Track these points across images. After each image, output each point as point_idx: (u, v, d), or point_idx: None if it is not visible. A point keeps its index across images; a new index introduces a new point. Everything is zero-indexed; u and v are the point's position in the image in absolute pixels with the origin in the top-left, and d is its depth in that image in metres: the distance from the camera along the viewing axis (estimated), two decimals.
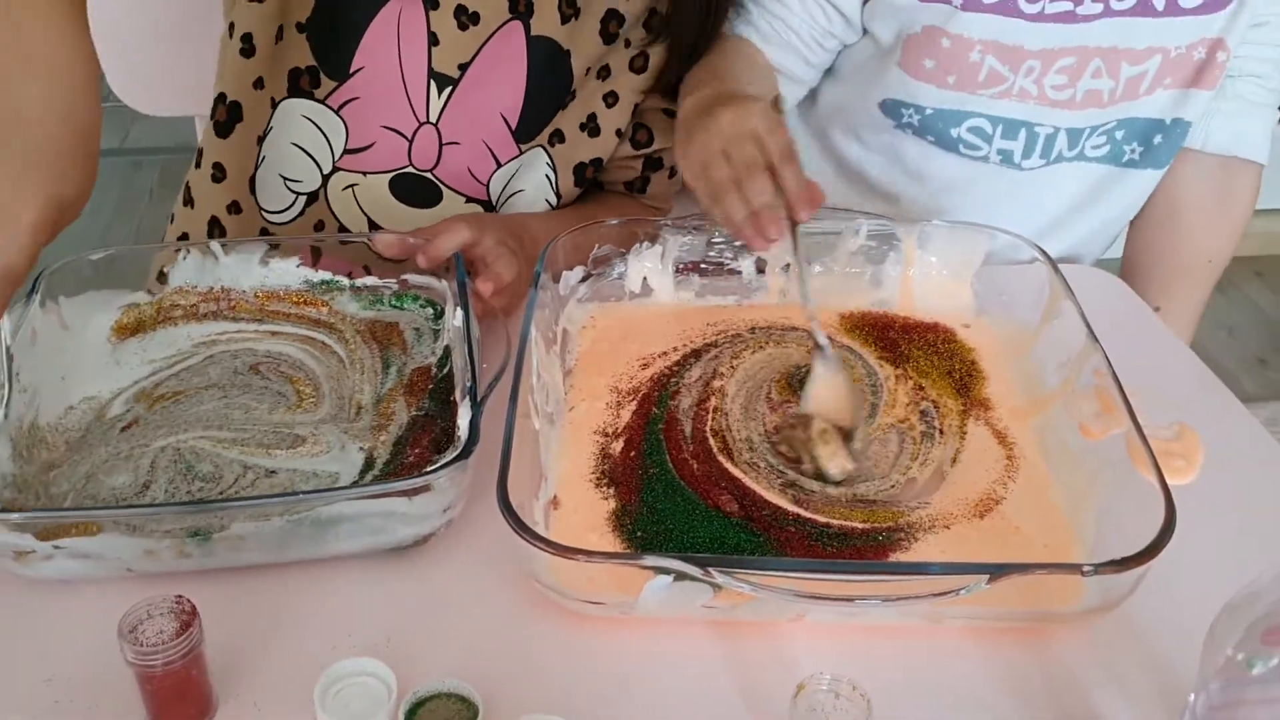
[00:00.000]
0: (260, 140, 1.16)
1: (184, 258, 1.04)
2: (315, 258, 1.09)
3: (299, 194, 1.18)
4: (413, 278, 1.07)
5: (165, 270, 1.05)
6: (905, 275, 1.10)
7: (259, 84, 1.13)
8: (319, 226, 1.13)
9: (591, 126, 1.22)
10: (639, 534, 0.85)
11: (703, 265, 1.13)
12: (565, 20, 1.16)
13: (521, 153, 1.19)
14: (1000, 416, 0.97)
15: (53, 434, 0.92)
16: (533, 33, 1.15)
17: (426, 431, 0.94)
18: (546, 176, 1.22)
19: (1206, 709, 0.60)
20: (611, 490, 0.89)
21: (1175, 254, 1.35)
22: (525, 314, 0.95)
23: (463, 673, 0.74)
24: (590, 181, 1.25)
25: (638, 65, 1.21)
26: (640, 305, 1.12)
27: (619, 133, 1.24)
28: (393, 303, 1.08)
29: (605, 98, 1.21)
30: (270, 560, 0.83)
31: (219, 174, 1.17)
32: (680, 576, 0.74)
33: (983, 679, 0.77)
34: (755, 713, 0.75)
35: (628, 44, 1.20)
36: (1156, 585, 0.76)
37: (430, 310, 1.08)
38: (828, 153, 1.37)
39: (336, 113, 1.14)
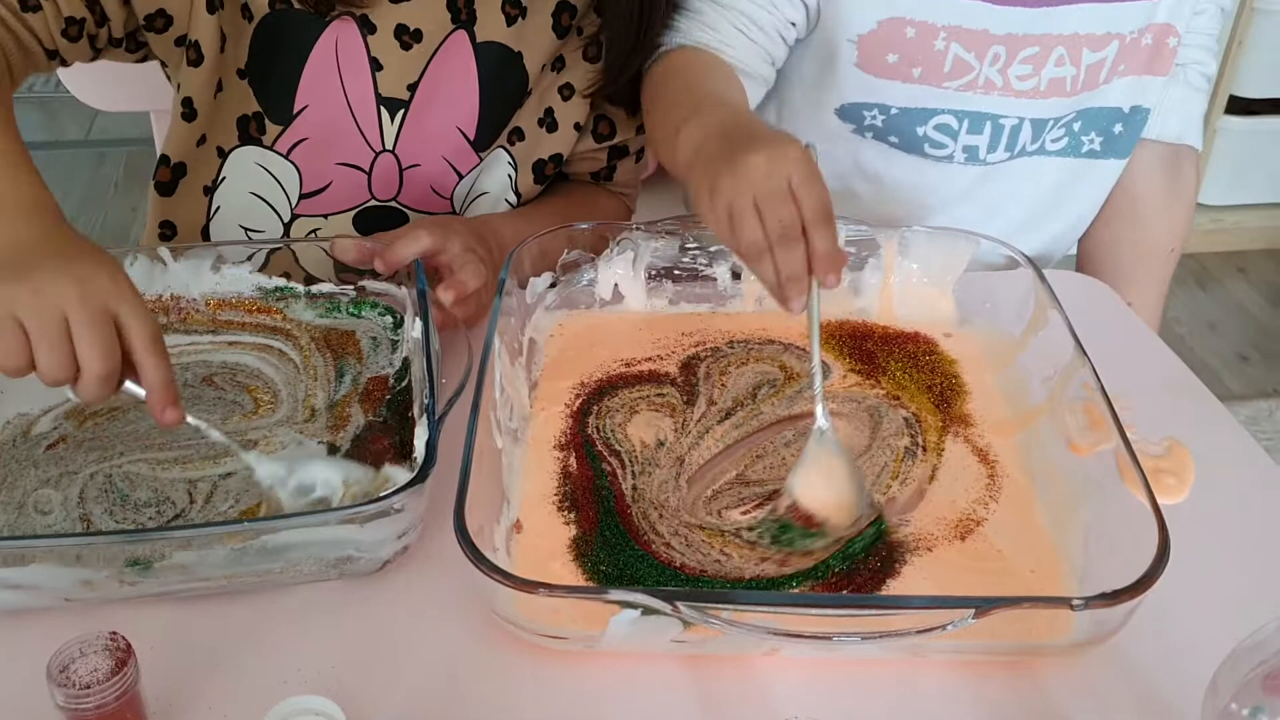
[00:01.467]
0: (209, 191, 1.11)
1: (131, 263, 0.99)
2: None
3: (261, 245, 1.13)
4: (371, 284, 1.03)
5: None
6: (885, 283, 1.06)
7: (201, 141, 1.09)
8: (286, 277, 1.06)
9: (549, 122, 1.17)
10: (602, 566, 0.81)
11: (676, 271, 1.09)
12: (511, 22, 1.11)
13: (481, 160, 1.15)
14: (982, 433, 0.94)
15: None
16: (479, 40, 1.10)
17: (384, 436, 0.90)
18: (508, 175, 1.17)
19: None
20: (573, 515, 0.85)
21: (1136, 245, 1.34)
22: (489, 323, 0.91)
23: (419, 711, 0.70)
24: (550, 178, 1.21)
25: (591, 54, 1.17)
26: (611, 312, 1.08)
27: (577, 126, 1.19)
28: (350, 310, 1.04)
29: (560, 90, 1.17)
30: (217, 589, 0.78)
31: (168, 231, 1.14)
32: (648, 611, 0.70)
33: (968, 715, 0.74)
34: None
35: (580, 31, 1.16)
36: (1149, 612, 0.73)
37: (389, 319, 1.03)
38: None
39: (285, 157, 1.10)
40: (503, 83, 1.12)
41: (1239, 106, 2.71)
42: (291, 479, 0.84)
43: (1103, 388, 0.86)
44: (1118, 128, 1.24)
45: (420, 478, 0.76)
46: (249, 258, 1.02)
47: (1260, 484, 0.93)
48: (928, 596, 0.77)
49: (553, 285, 1.06)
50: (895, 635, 0.70)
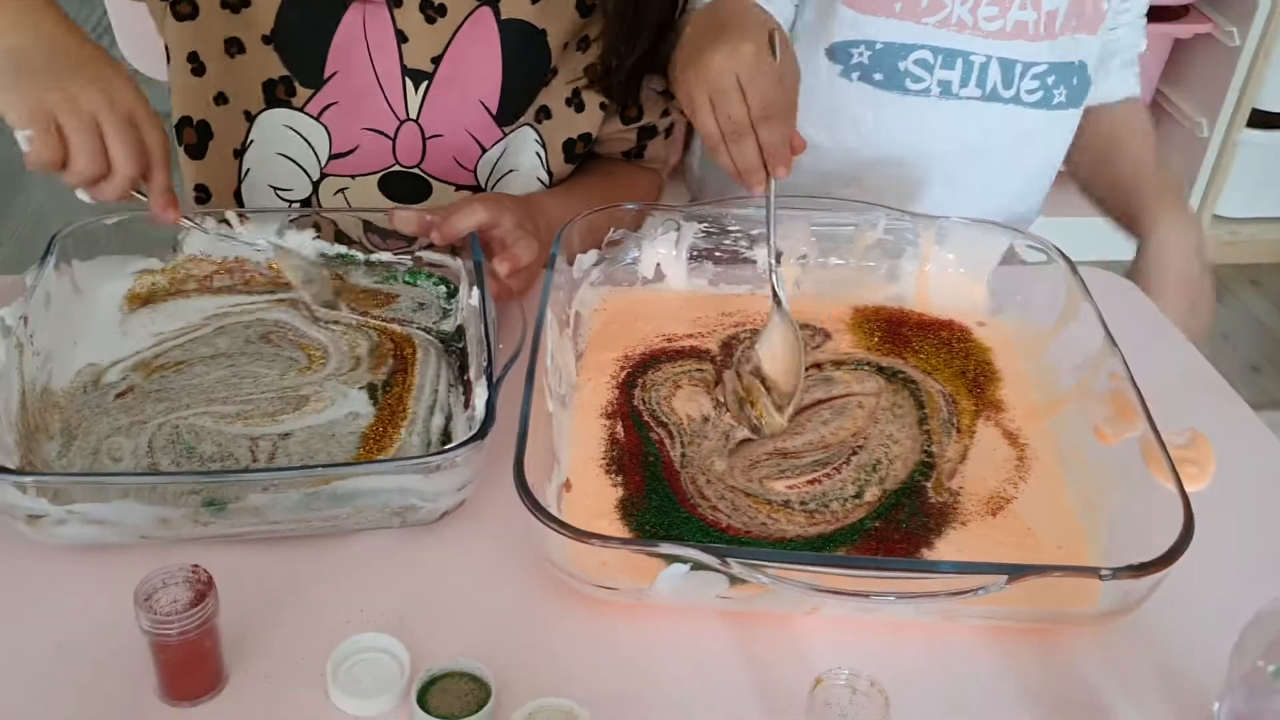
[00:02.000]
0: (238, 154, 1.15)
1: (201, 224, 1.02)
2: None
3: (291, 202, 1.17)
4: (427, 255, 1.07)
5: (180, 238, 1.04)
6: (921, 271, 1.10)
7: (220, 99, 1.13)
8: (316, 227, 1.10)
9: (577, 102, 1.20)
10: (648, 525, 0.85)
11: (717, 253, 1.12)
12: (535, 0, 1.14)
13: (505, 135, 1.18)
14: (1013, 418, 0.97)
15: (64, 399, 0.91)
16: (503, 16, 1.13)
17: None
18: (537, 154, 1.21)
19: (1232, 717, 0.60)
20: (620, 478, 0.89)
21: (1134, 176, 1.37)
22: (541, 296, 0.95)
23: (476, 652, 0.74)
24: (581, 157, 1.24)
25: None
26: (652, 291, 1.11)
27: (603, 106, 1.22)
28: (406, 279, 1.08)
29: (587, 70, 1.20)
30: (286, 532, 0.82)
31: (202, 195, 1.18)
32: (696, 566, 0.73)
33: (997, 678, 0.78)
34: (770, 704, 0.75)
35: (604, 11, 1.18)
36: (1170, 591, 0.76)
37: (444, 288, 1.07)
38: None
39: (317, 119, 1.13)
40: (526, 59, 1.16)
41: (1260, 120, 2.73)
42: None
43: (1131, 377, 0.90)
44: (1074, 79, 1.32)
45: (480, 434, 0.80)
46: (311, 224, 1.06)
47: (1276, 474, 0.97)
48: (962, 562, 0.81)
49: (598, 262, 1.09)
50: (928, 597, 0.74)
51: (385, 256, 1.08)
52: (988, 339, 1.06)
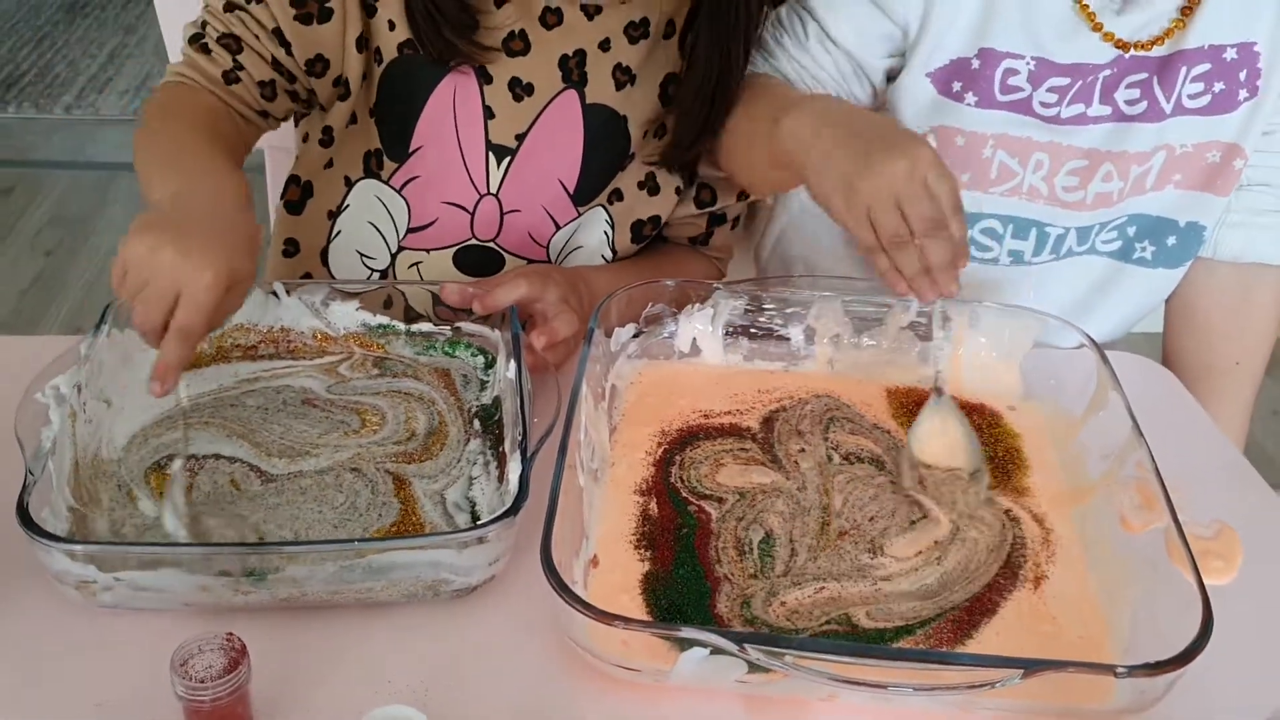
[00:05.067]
0: (333, 215, 1.19)
1: (249, 295, 1.06)
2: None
3: (372, 270, 1.21)
4: (466, 325, 1.10)
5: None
6: (954, 354, 1.11)
7: (329, 164, 1.18)
8: (387, 303, 1.17)
9: (651, 185, 1.24)
10: (664, 600, 0.87)
11: (752, 330, 1.14)
12: (620, 87, 1.17)
13: (580, 214, 1.22)
14: (1039, 503, 0.98)
15: (112, 466, 0.94)
16: (588, 101, 1.17)
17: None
18: (604, 232, 1.24)
19: None
20: (649, 553, 0.91)
21: (1198, 357, 1.33)
22: (578, 369, 0.97)
23: None
24: (648, 238, 1.27)
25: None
26: (688, 364, 1.13)
27: (678, 190, 1.25)
28: (445, 349, 1.11)
29: (659, 150, 1.23)
30: (323, 601, 0.85)
31: (291, 249, 1.23)
32: (716, 651, 0.75)
33: None
34: None
35: (678, 100, 1.21)
36: (1189, 686, 0.76)
37: (481, 359, 1.10)
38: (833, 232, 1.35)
39: (399, 192, 1.17)
40: (607, 143, 1.19)
41: None
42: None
43: (1156, 468, 0.91)
44: (1171, 240, 1.25)
45: (513, 510, 0.83)
46: (358, 294, 1.10)
47: None
48: (978, 655, 0.82)
49: (636, 335, 1.12)
50: (946, 689, 0.75)
51: (426, 327, 1.11)
52: (1018, 424, 1.07)
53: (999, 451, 1.04)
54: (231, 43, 1.07)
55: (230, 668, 0.73)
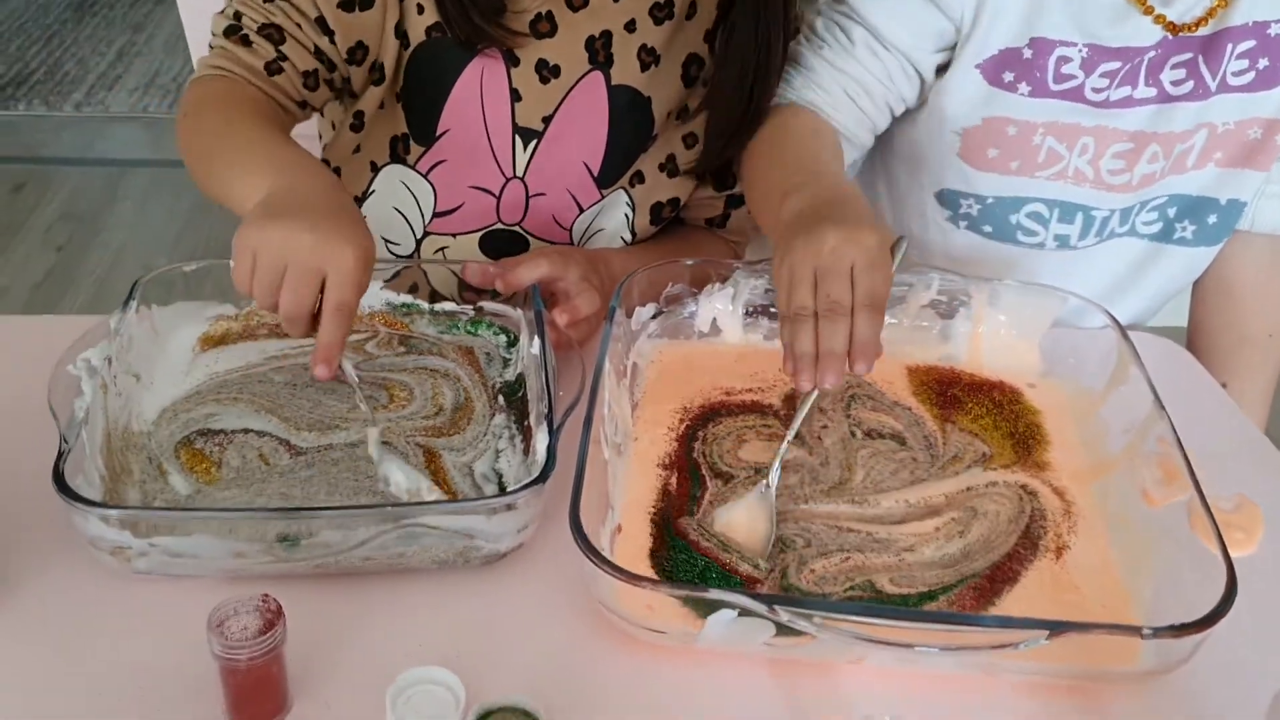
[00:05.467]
0: (360, 201, 1.20)
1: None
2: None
3: (397, 256, 1.22)
4: (489, 305, 1.11)
5: None
6: (974, 332, 1.11)
7: (356, 149, 1.18)
8: (413, 288, 1.17)
9: (670, 167, 1.24)
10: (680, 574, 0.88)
11: (772, 309, 1.15)
12: (645, 68, 1.18)
13: (603, 197, 1.22)
14: (1059, 478, 0.99)
15: (142, 439, 0.95)
16: (613, 82, 1.18)
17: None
18: (625, 215, 1.25)
19: None
20: (654, 529, 0.91)
21: (1231, 330, 1.34)
22: (600, 347, 0.98)
23: (528, 688, 0.76)
24: (666, 220, 1.28)
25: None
26: (708, 344, 1.14)
27: (698, 176, 1.26)
28: (468, 328, 1.12)
29: (685, 139, 1.24)
30: (356, 567, 0.86)
31: None
32: (744, 612, 0.76)
33: None
34: None
35: (705, 84, 1.22)
36: (1211, 654, 0.78)
37: (504, 337, 1.11)
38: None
39: (425, 176, 1.18)
40: (631, 125, 1.20)
41: None
42: (379, 467, 0.93)
43: (1179, 442, 0.92)
44: (1212, 218, 1.26)
45: (541, 478, 0.84)
46: (392, 277, 1.11)
47: None
48: (1005, 617, 0.83)
49: (656, 315, 1.12)
50: (971, 649, 0.76)
51: (449, 306, 1.12)
52: (1038, 401, 1.08)
53: (1019, 428, 1.04)
54: (274, 33, 1.06)
55: (266, 629, 0.74)
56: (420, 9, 1.11)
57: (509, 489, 0.87)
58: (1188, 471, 0.88)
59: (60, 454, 0.82)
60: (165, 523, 0.82)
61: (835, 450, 1.00)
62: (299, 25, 1.07)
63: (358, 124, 1.17)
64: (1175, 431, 0.93)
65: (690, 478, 0.97)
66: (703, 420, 1.04)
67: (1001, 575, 0.88)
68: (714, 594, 0.76)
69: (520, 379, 1.05)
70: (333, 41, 1.08)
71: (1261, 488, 1.00)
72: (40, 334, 1.13)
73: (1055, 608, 0.86)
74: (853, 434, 1.02)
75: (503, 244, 1.22)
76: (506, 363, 1.08)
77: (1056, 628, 0.74)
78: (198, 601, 0.80)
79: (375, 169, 1.18)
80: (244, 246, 0.85)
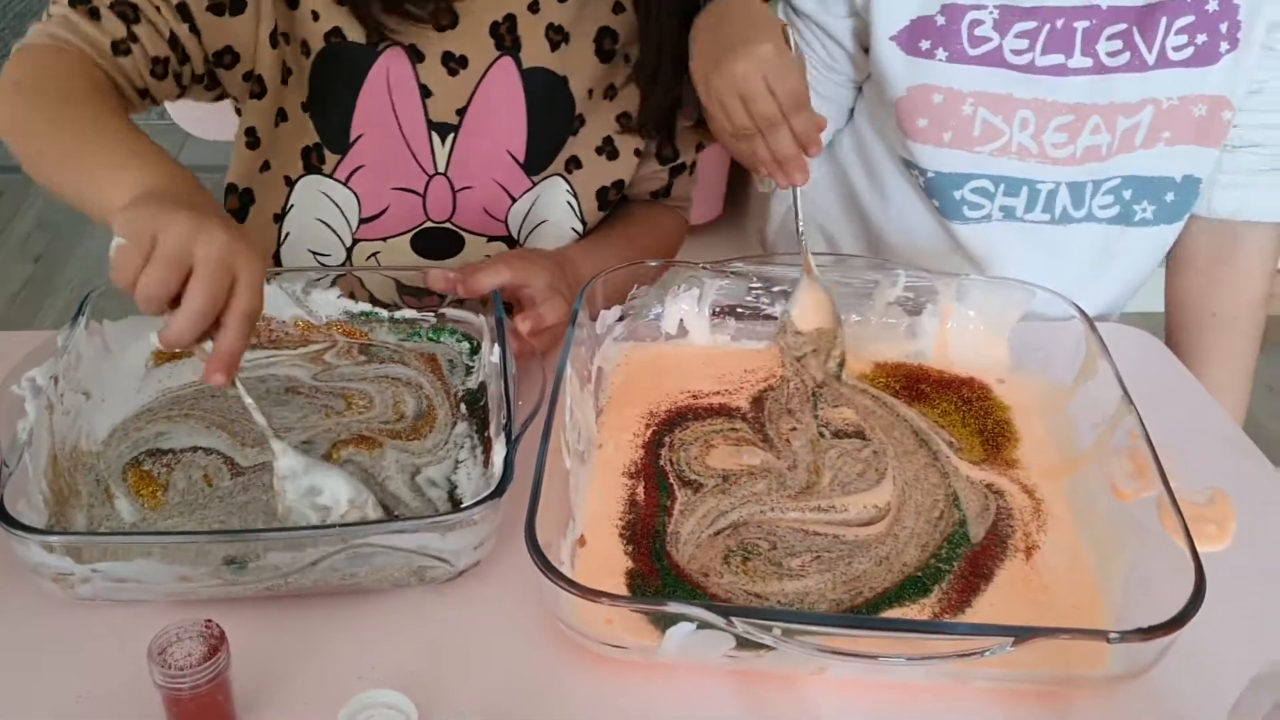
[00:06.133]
0: (279, 218, 1.17)
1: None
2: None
3: (325, 266, 1.19)
4: (450, 312, 1.09)
5: None
6: (942, 328, 1.10)
7: (265, 166, 1.15)
8: (351, 296, 1.13)
9: (609, 150, 1.22)
10: (652, 590, 0.85)
11: (739, 309, 1.13)
12: (555, 47, 1.16)
13: (535, 184, 1.20)
14: (1029, 475, 0.97)
15: (92, 458, 0.93)
16: (525, 65, 1.15)
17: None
18: (569, 203, 1.22)
19: None
20: (631, 548, 0.89)
21: (1194, 311, 1.35)
22: (562, 351, 0.96)
23: (485, 708, 0.75)
24: (613, 203, 1.26)
25: (640, 80, 1.21)
26: (675, 346, 1.13)
27: (638, 153, 1.24)
28: (430, 335, 1.10)
29: (618, 119, 1.22)
30: (304, 590, 0.84)
31: None
32: (703, 625, 0.74)
33: None
34: None
35: (627, 59, 1.20)
36: (1184, 652, 0.76)
37: (466, 344, 1.09)
38: (848, 201, 1.39)
39: (345, 184, 1.15)
40: (550, 107, 1.18)
41: None
42: (305, 479, 0.88)
43: (1147, 436, 0.90)
44: (1169, 196, 1.26)
45: (498, 492, 0.81)
46: (333, 283, 1.09)
47: None
48: (969, 624, 0.81)
49: (621, 318, 1.11)
50: (937, 659, 0.74)
51: (409, 314, 1.10)
52: (1007, 396, 1.06)
53: (988, 425, 1.03)
54: (128, 10, 1.00)
55: (209, 655, 0.72)
56: (316, 16, 1.08)
57: (463, 503, 0.84)
58: (1156, 466, 0.86)
59: (0, 478, 0.80)
60: (109, 548, 0.80)
61: (803, 454, 0.98)
62: (158, 8, 1.02)
63: (253, 140, 1.14)
64: (1144, 425, 0.91)
65: (658, 487, 0.95)
66: (669, 425, 1.02)
67: (972, 575, 0.87)
68: (672, 607, 0.75)
69: (482, 387, 1.03)
70: (194, 32, 1.04)
71: (1236, 480, 0.97)
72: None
73: (1026, 609, 0.84)
74: (820, 434, 1.01)
75: (435, 242, 1.20)
76: (470, 370, 1.06)
77: (1021, 634, 0.72)
78: (144, 627, 0.78)
79: (290, 183, 1.16)
80: (141, 228, 0.77)
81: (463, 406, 1.02)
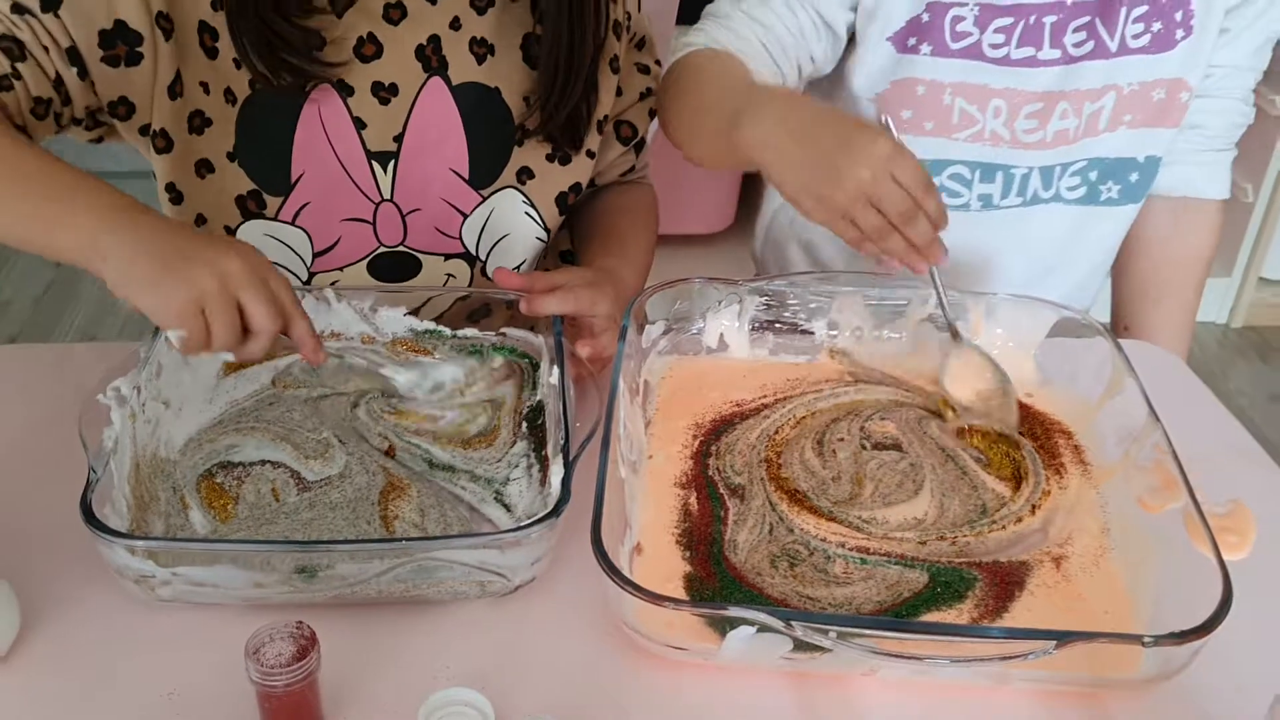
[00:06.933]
0: None
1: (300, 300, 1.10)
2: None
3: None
4: (511, 331, 1.13)
5: None
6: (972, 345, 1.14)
7: (200, 220, 1.15)
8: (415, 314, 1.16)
9: (561, 156, 1.23)
10: (708, 593, 0.90)
11: (777, 324, 1.18)
12: (481, 60, 1.17)
13: (485, 198, 1.21)
14: (1057, 485, 1.02)
15: (171, 466, 0.98)
16: (455, 83, 1.16)
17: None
18: (527, 214, 1.24)
19: None
20: (689, 554, 0.94)
21: (1138, 281, 1.43)
22: (613, 366, 1.01)
23: (554, 707, 0.79)
24: (573, 206, 1.28)
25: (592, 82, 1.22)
26: (716, 360, 1.17)
27: (591, 154, 1.25)
28: (491, 354, 1.13)
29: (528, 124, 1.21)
30: (370, 599, 0.88)
31: None
32: (763, 629, 0.79)
33: None
34: None
35: (538, 63, 1.19)
36: (1213, 657, 0.80)
37: (526, 361, 1.13)
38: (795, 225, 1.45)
39: (293, 224, 1.16)
40: (486, 119, 1.19)
41: None
42: (426, 382, 1.06)
43: (1174, 451, 0.94)
44: (1134, 176, 1.34)
45: (555, 513, 0.86)
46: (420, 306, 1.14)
47: None
48: (1013, 628, 0.86)
49: (666, 332, 1.15)
50: (981, 661, 0.79)
51: (471, 332, 1.13)
52: (1036, 411, 1.11)
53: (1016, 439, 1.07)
54: (13, 47, 0.98)
55: (300, 655, 0.76)
56: (238, 64, 1.08)
57: (522, 523, 0.88)
58: (1183, 480, 0.91)
59: (88, 484, 0.85)
60: (187, 554, 0.85)
61: (847, 465, 1.03)
62: (45, 49, 0.99)
63: (175, 196, 1.13)
64: (1170, 441, 0.95)
65: (709, 497, 1.00)
66: (715, 434, 1.07)
67: (1007, 583, 0.92)
68: (733, 611, 0.79)
69: (540, 405, 1.07)
70: (84, 78, 1.02)
71: (1253, 490, 1.02)
72: (70, 361, 1.20)
73: (1061, 616, 0.89)
74: (863, 446, 1.05)
75: (392, 266, 1.22)
76: (533, 384, 1.10)
77: (1063, 638, 0.77)
78: (224, 627, 0.84)
79: (231, 232, 1.16)
80: (183, 308, 0.85)
81: (524, 424, 1.06)
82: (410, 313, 1.13)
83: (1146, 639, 0.78)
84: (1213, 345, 2.91)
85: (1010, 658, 0.78)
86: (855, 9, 1.26)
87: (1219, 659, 0.81)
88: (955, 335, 1.10)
